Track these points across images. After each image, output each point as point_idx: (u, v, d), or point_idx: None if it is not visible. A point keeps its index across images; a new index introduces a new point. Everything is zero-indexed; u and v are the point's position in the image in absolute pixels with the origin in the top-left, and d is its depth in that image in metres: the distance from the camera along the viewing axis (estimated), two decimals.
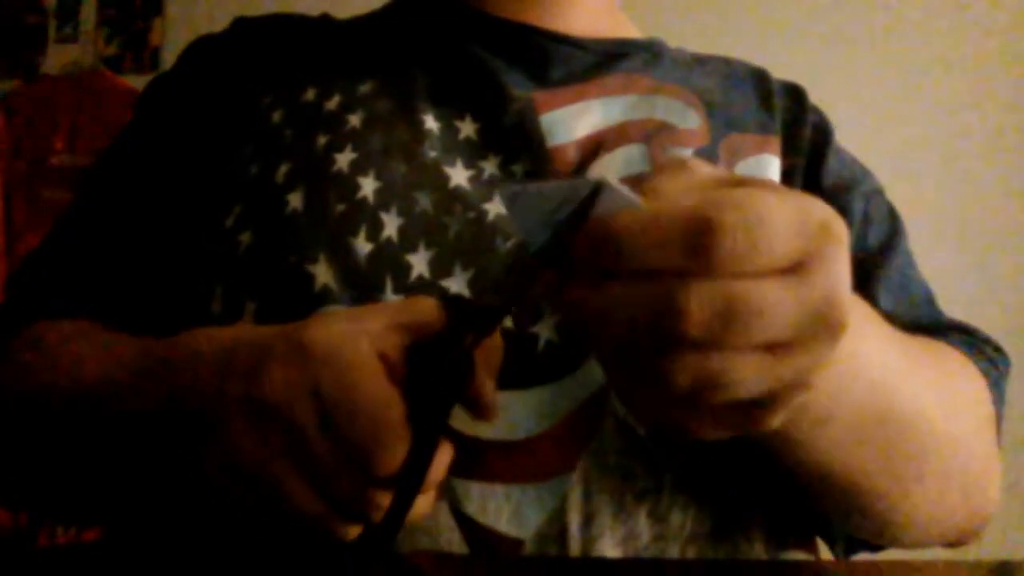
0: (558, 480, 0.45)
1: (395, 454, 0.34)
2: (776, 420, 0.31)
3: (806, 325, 0.29)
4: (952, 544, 0.52)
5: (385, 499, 0.35)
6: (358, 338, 0.35)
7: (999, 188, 1.59)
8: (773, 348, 0.29)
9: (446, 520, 0.44)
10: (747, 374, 0.29)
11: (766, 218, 0.28)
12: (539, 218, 0.30)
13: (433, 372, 0.36)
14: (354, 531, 0.37)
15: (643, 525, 0.46)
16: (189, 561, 0.40)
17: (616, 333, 0.29)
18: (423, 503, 0.37)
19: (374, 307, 0.39)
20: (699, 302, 0.28)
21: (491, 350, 0.36)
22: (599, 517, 0.45)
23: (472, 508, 0.44)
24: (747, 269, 0.28)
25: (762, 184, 0.30)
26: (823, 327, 0.29)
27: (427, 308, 0.37)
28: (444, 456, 0.36)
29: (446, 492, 0.44)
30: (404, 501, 0.35)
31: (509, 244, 0.49)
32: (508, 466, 0.45)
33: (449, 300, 0.38)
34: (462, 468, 0.44)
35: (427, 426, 0.35)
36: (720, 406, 0.30)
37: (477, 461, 0.45)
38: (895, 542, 0.50)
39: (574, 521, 0.45)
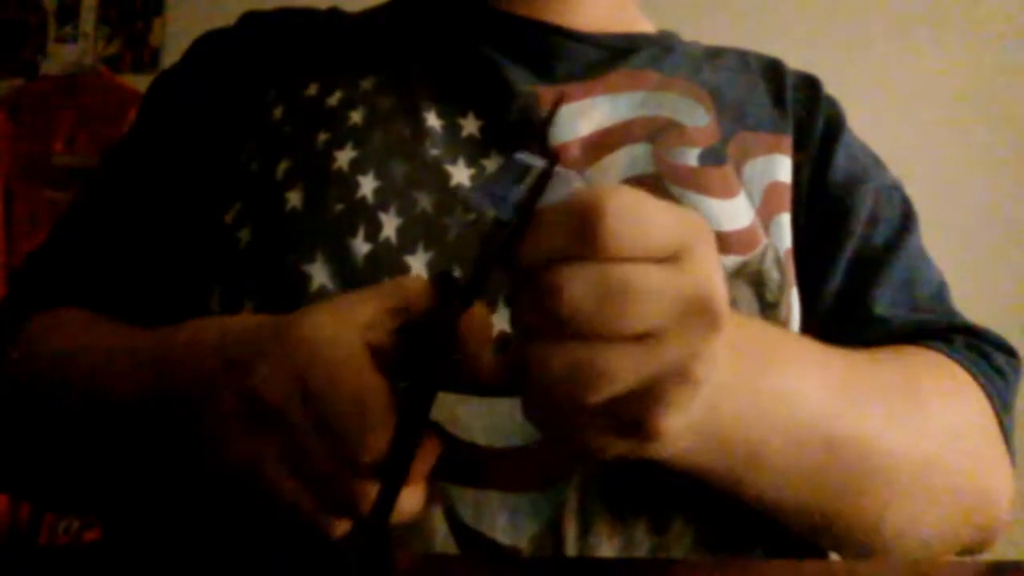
0: (555, 488, 0.45)
1: (377, 440, 0.34)
2: (664, 422, 0.32)
3: (680, 313, 0.30)
4: (965, 553, 0.51)
5: (372, 491, 0.35)
6: (344, 330, 0.35)
7: (1001, 188, 1.59)
8: (646, 338, 0.30)
9: (441, 527, 0.43)
10: (619, 362, 0.30)
11: (645, 208, 0.30)
12: (498, 196, 0.33)
13: (418, 351, 0.36)
14: (342, 527, 0.36)
15: (642, 535, 0.45)
16: (188, 561, 0.40)
17: (515, 323, 0.32)
18: (413, 500, 0.36)
19: (362, 294, 0.38)
20: (577, 281, 0.29)
21: (477, 320, 0.36)
22: (596, 526, 0.45)
23: (467, 515, 0.44)
24: (628, 253, 0.29)
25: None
26: (697, 316, 0.30)
27: (415, 288, 0.37)
28: (430, 449, 0.36)
29: (441, 499, 0.44)
30: (390, 490, 0.34)
31: None
32: (504, 473, 0.44)
33: (436, 278, 0.38)
34: (458, 475, 0.44)
35: (410, 407, 0.35)
36: (602, 408, 0.31)
37: (473, 468, 0.44)
38: (891, 555, 0.49)
39: (571, 530, 0.44)
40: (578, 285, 0.29)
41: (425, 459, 0.36)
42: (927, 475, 0.46)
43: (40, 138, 1.99)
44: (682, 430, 0.32)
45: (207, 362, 0.39)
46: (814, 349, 0.44)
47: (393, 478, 0.34)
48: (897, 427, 0.45)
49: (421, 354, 0.36)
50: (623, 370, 0.30)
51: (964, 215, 1.56)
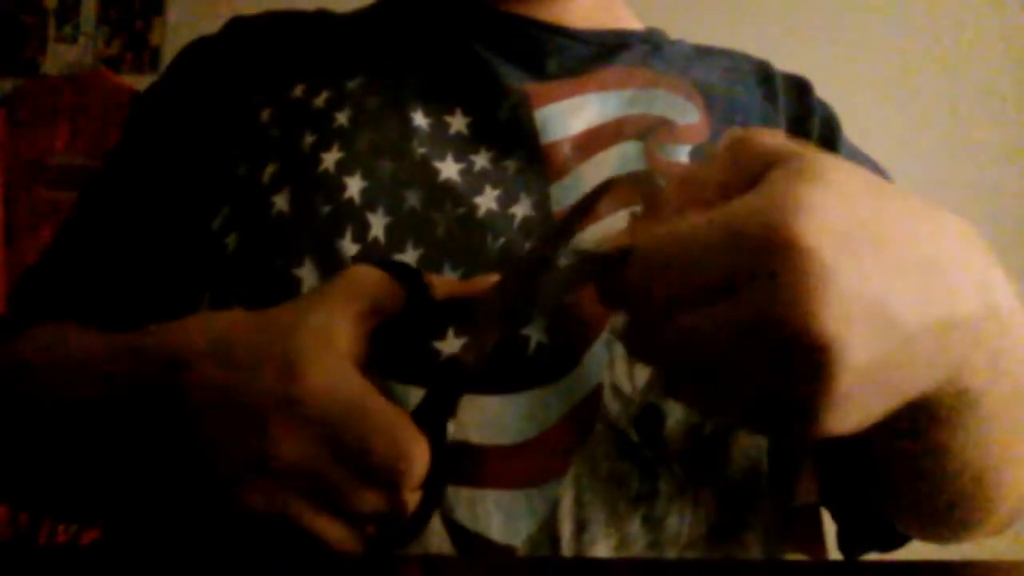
0: (550, 486, 0.45)
1: (420, 463, 0.36)
2: (826, 429, 0.28)
3: (742, 345, 0.28)
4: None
5: (413, 500, 0.37)
6: (338, 360, 0.36)
7: (997, 185, 1.59)
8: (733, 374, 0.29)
9: (436, 527, 0.43)
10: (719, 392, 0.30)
11: (678, 246, 0.29)
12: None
13: (433, 378, 0.38)
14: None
15: (637, 531, 0.45)
16: (189, 562, 0.40)
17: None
18: None
19: (328, 306, 0.38)
20: (630, 334, 0.31)
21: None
22: (592, 523, 0.45)
23: (462, 515, 0.44)
24: (662, 298, 0.29)
25: (730, 205, 0.29)
26: (766, 345, 0.27)
27: (377, 286, 0.39)
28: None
29: None
30: (435, 493, 0.38)
31: (500, 241, 0.49)
32: (499, 472, 0.44)
33: (390, 268, 0.39)
34: (452, 474, 0.44)
35: (436, 420, 0.37)
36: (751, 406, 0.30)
37: (466, 466, 0.44)
38: (959, 534, 0.48)
39: (566, 527, 0.44)
40: (629, 337, 0.31)
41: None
42: None
43: (40, 138, 1.99)
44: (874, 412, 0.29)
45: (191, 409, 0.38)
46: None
47: (436, 484, 0.37)
48: None
49: (435, 385, 0.38)
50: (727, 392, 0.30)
51: (959, 212, 1.56)
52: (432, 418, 0.37)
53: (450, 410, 0.38)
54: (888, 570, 0.48)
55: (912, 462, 0.40)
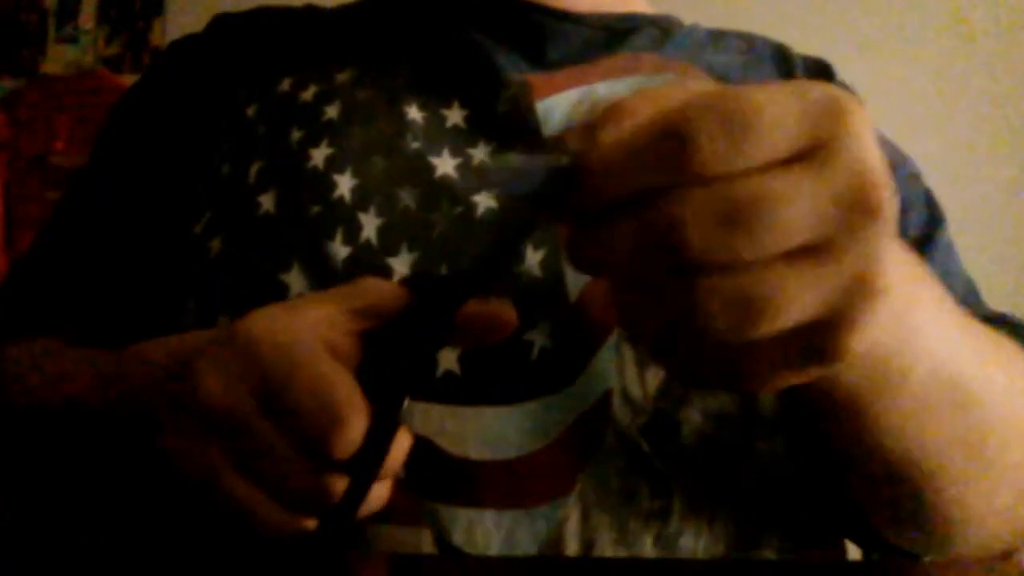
0: (554, 504, 0.42)
1: (351, 431, 0.31)
2: (851, 344, 0.26)
3: (838, 215, 0.25)
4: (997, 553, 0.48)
5: (340, 485, 0.32)
6: (295, 323, 0.33)
7: (999, 187, 1.59)
8: (812, 253, 0.25)
9: (429, 550, 0.41)
10: (791, 287, 0.25)
11: (751, 110, 0.25)
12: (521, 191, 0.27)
13: (395, 347, 0.33)
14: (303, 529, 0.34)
15: (649, 551, 0.42)
16: (185, 561, 0.39)
17: (625, 271, 0.26)
18: (383, 493, 0.34)
19: (319, 294, 0.36)
20: (694, 209, 0.24)
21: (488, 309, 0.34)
22: (599, 544, 0.42)
23: (458, 537, 0.41)
24: (741, 167, 0.25)
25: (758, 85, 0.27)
26: (860, 214, 0.25)
27: (381, 290, 0.35)
28: (402, 441, 0.33)
29: (429, 520, 0.41)
30: (362, 483, 0.32)
31: None
32: (498, 489, 0.42)
33: (413, 278, 0.36)
34: (447, 492, 0.41)
35: (386, 399, 0.32)
36: (775, 339, 0.26)
37: (464, 484, 0.41)
38: (938, 547, 0.46)
39: (571, 549, 0.42)
40: (694, 213, 0.24)
41: (397, 453, 0.33)
42: (1019, 449, 0.42)
43: (40, 138, 1.98)
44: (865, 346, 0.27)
45: (152, 376, 0.37)
46: (943, 292, 0.39)
47: (366, 471, 0.32)
48: (1005, 393, 0.41)
49: (405, 350, 0.33)
50: (799, 293, 0.25)
51: (963, 213, 1.55)
52: (387, 387, 0.32)
53: (409, 383, 0.33)
54: (896, 569, 0.47)
55: (851, 442, 0.40)
